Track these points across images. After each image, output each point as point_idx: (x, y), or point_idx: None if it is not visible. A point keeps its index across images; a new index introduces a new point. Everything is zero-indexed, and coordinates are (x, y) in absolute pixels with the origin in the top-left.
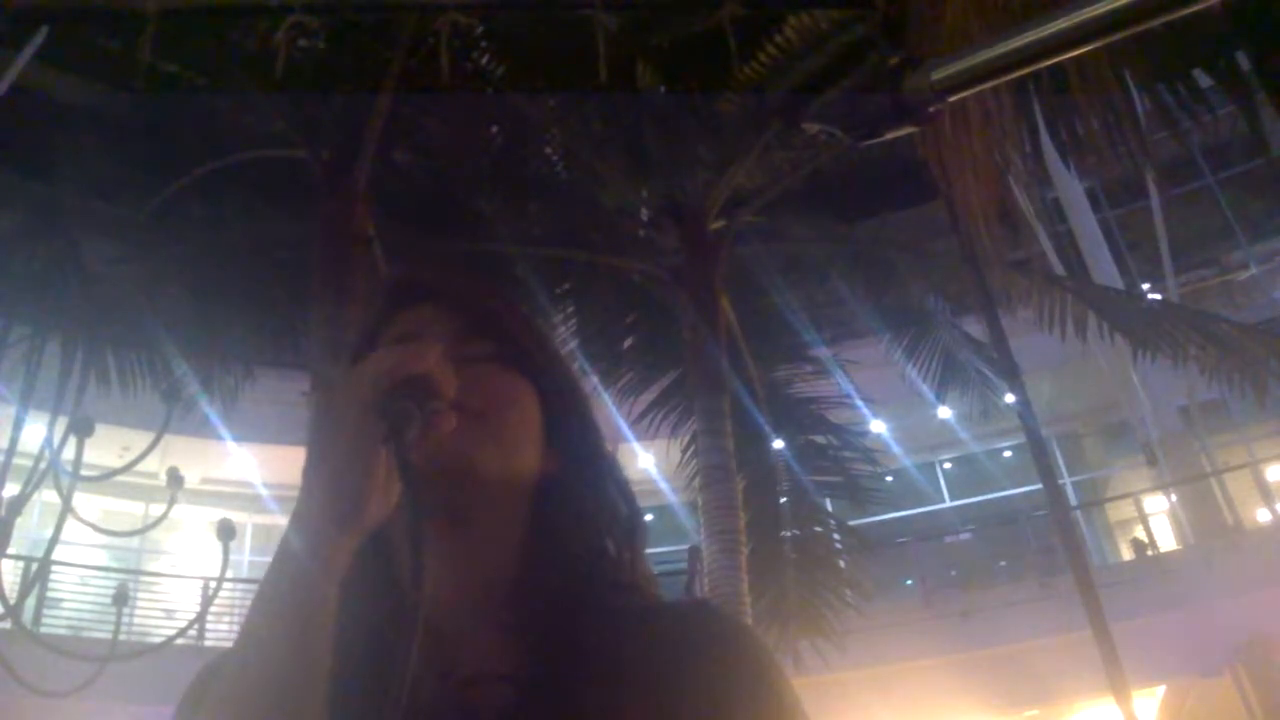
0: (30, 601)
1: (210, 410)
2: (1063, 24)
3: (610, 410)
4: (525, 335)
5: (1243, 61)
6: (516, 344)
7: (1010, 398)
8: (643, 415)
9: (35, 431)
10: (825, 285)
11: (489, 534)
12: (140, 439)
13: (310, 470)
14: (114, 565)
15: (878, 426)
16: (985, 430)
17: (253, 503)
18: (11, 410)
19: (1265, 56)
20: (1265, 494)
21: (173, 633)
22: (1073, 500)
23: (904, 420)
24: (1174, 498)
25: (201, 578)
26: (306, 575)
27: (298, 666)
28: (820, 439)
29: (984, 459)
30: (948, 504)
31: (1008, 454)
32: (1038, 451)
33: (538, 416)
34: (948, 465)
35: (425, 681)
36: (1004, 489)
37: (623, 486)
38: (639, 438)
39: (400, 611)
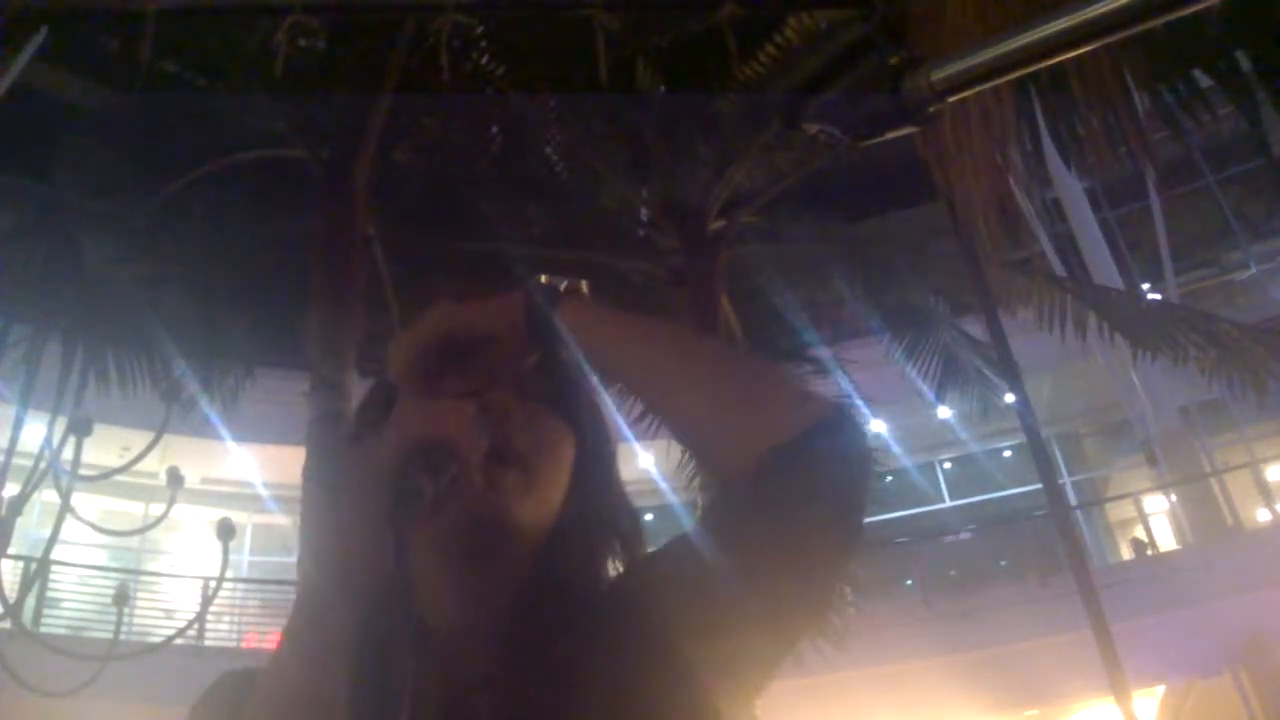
0: (30, 601)
1: (210, 410)
2: (1063, 24)
3: (610, 410)
4: (572, 378)
5: (1243, 61)
6: (563, 386)
7: (1010, 398)
8: (643, 415)
9: (35, 431)
10: (825, 285)
11: (507, 569)
12: (140, 439)
13: (327, 527)
14: (114, 565)
15: (878, 426)
16: (985, 430)
17: (253, 503)
18: (11, 410)
19: (1265, 56)
20: (1265, 494)
21: (173, 633)
22: (1073, 500)
23: (904, 420)
24: (1174, 498)
25: (201, 578)
26: (327, 612)
27: (320, 691)
28: None
29: (984, 459)
30: (948, 504)
31: (1008, 454)
32: (1038, 451)
33: (572, 460)
34: (948, 465)
35: (430, 694)
36: (1004, 489)
37: (632, 513)
38: (639, 438)
39: (396, 648)
